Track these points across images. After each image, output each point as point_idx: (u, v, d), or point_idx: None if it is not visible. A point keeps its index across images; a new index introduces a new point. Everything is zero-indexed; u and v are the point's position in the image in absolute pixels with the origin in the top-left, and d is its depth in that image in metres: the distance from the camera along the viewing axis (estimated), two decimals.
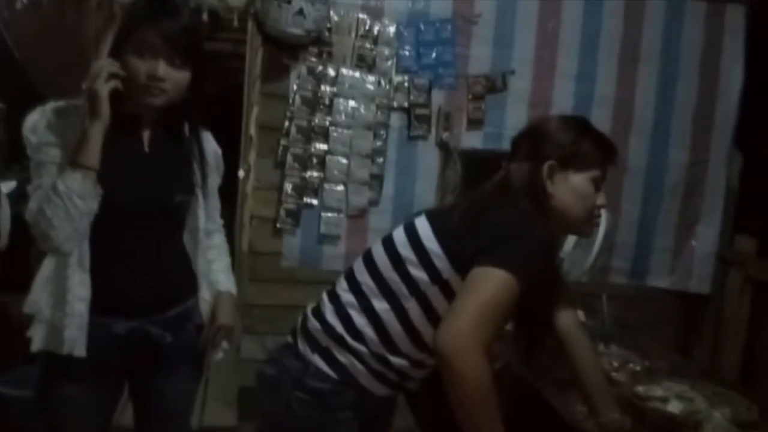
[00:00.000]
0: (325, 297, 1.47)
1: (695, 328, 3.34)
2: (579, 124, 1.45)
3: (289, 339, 1.48)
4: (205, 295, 1.59)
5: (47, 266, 1.40)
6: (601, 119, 3.15)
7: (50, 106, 1.39)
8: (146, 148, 1.46)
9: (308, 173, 2.93)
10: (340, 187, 2.96)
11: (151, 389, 1.56)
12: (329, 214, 2.97)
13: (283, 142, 2.90)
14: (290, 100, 2.88)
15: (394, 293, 1.37)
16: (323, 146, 2.92)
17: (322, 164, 2.93)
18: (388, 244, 1.43)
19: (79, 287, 1.36)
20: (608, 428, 1.52)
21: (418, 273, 1.35)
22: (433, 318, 1.35)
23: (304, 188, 2.93)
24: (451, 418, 1.23)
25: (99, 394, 1.47)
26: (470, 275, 1.23)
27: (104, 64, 1.31)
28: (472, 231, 1.30)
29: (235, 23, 2.80)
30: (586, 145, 1.40)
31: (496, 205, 1.35)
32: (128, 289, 1.43)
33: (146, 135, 1.46)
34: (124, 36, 1.35)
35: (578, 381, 1.59)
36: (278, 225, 2.94)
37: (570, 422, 1.63)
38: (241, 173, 3.65)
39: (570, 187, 1.37)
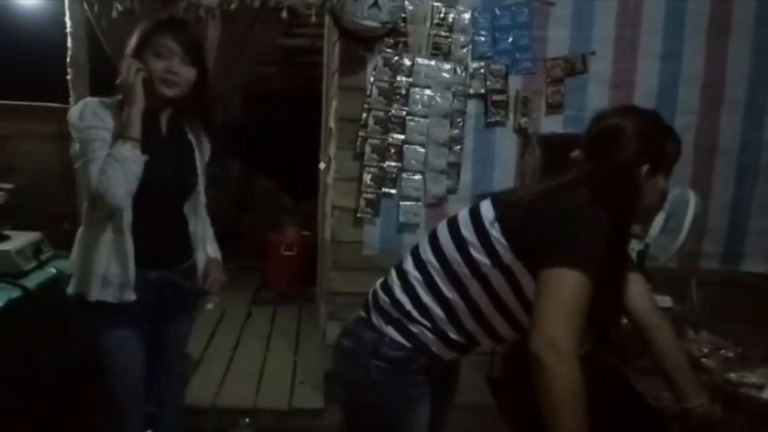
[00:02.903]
0: (393, 272, 1.54)
1: None
2: (661, 124, 1.44)
3: (362, 313, 1.55)
4: (201, 256, 1.97)
5: (95, 232, 1.73)
6: (688, 98, 3.04)
7: (91, 99, 1.75)
8: (164, 134, 1.83)
9: (386, 163, 2.98)
10: (418, 176, 2.99)
11: (168, 327, 1.93)
12: (407, 203, 3.01)
13: (361, 133, 2.96)
14: (368, 92, 2.93)
15: (457, 274, 1.42)
16: (400, 136, 2.96)
17: (399, 154, 2.97)
18: (453, 225, 1.47)
19: (130, 247, 1.72)
20: (696, 414, 1.48)
21: (479, 256, 1.39)
22: (496, 300, 1.40)
23: (382, 178, 2.98)
24: (531, 403, 1.25)
25: (140, 332, 1.82)
26: (544, 277, 1.25)
27: (130, 62, 1.70)
28: (535, 220, 1.33)
29: (313, 19, 2.87)
30: (671, 147, 1.42)
31: (562, 196, 1.35)
32: (157, 246, 1.81)
33: (164, 123, 1.83)
34: (145, 41, 1.72)
35: (660, 367, 1.55)
36: (359, 214, 3.01)
37: (655, 408, 1.60)
38: (322, 165, 3.76)
39: (657, 189, 1.42)
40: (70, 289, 1.80)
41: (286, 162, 5.79)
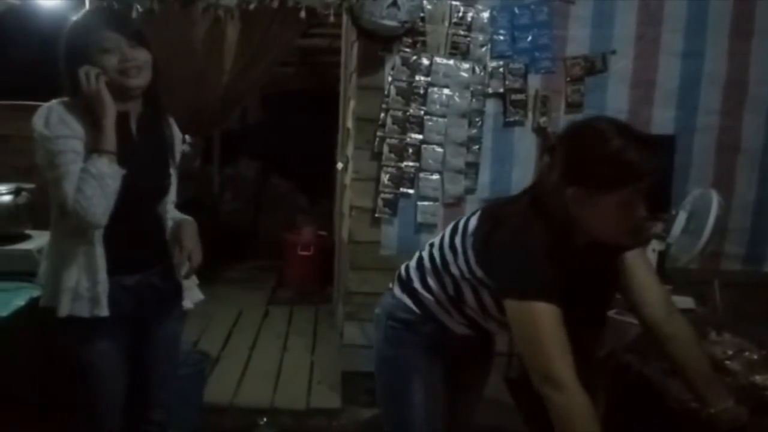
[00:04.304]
0: (415, 255, 1.74)
1: None
2: (613, 137, 1.30)
3: (391, 285, 1.76)
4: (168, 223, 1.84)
5: (66, 244, 1.63)
6: (710, 98, 3.00)
7: (55, 103, 1.60)
8: (134, 134, 1.70)
9: (404, 163, 2.97)
10: (436, 176, 2.98)
11: (154, 331, 1.82)
12: (425, 203, 3.00)
13: (379, 133, 2.95)
14: (386, 92, 2.93)
15: (452, 273, 1.56)
16: (418, 136, 2.95)
17: (417, 154, 2.96)
18: (454, 228, 1.60)
19: (100, 259, 1.62)
20: (722, 418, 1.45)
21: (459, 265, 1.53)
22: (480, 301, 1.53)
23: (400, 178, 2.98)
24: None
25: (120, 342, 1.72)
26: (509, 311, 1.35)
27: (86, 69, 1.56)
28: (483, 250, 1.44)
29: (331, 18, 2.87)
30: (618, 163, 1.28)
31: (510, 218, 1.41)
32: (132, 251, 1.70)
33: (134, 125, 1.71)
34: (84, 44, 1.58)
35: (681, 374, 1.51)
36: (376, 215, 3.00)
37: (677, 409, 1.58)
38: (339, 165, 3.77)
39: (597, 211, 1.31)
40: (41, 302, 1.69)
41: (303, 162, 5.81)
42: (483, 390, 1.87)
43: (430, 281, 1.61)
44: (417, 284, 1.64)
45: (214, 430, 2.75)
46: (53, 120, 1.56)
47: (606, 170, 1.29)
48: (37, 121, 1.56)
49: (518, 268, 1.33)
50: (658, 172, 1.32)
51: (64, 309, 1.61)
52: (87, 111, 1.58)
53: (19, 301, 2.09)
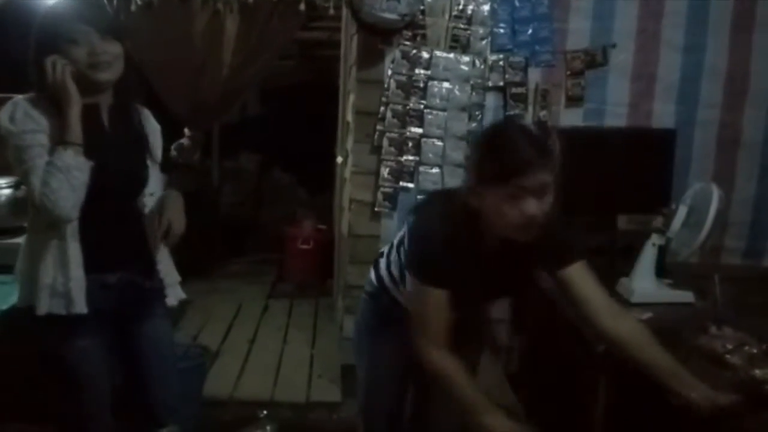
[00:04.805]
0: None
1: None
2: (493, 134, 1.51)
3: None
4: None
5: (41, 241, 1.60)
6: (711, 92, 2.99)
7: (20, 98, 1.59)
8: (107, 127, 1.68)
9: (404, 157, 2.96)
10: (436, 170, 2.97)
11: (140, 329, 1.80)
12: None
13: (379, 127, 2.95)
14: (385, 85, 2.92)
15: (399, 252, 1.75)
16: (418, 130, 2.94)
17: (417, 148, 2.95)
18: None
19: (75, 255, 1.59)
20: (697, 402, 1.43)
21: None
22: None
23: (400, 172, 2.97)
24: (550, 395, 1.25)
25: (103, 340, 1.71)
26: (407, 284, 1.61)
27: (53, 60, 1.53)
28: (406, 232, 1.67)
29: (331, 11, 2.86)
30: (491, 160, 1.41)
31: (432, 207, 1.63)
32: (112, 248, 1.68)
33: (105, 117, 1.67)
34: (54, 33, 1.56)
35: (646, 372, 1.51)
36: (376, 208, 3.00)
37: (677, 404, 1.58)
38: (339, 159, 3.76)
39: (486, 204, 1.43)
40: (18, 302, 1.67)
41: (303, 155, 5.80)
42: None
43: (391, 258, 1.79)
44: (381, 260, 1.85)
45: (215, 424, 2.75)
46: (18, 115, 1.54)
47: (490, 165, 1.41)
48: (3, 117, 1.55)
49: (420, 254, 1.55)
50: (547, 170, 1.38)
51: (43, 307, 1.59)
52: (53, 104, 1.56)
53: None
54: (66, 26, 1.56)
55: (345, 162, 3.44)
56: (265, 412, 2.84)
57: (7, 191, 2.45)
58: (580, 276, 1.55)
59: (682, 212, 2.26)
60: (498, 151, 1.41)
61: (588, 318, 1.55)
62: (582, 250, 1.58)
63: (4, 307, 2.00)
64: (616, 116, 2.99)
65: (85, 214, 1.59)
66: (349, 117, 3.24)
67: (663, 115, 2.99)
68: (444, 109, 2.93)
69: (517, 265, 1.57)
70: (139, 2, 2.73)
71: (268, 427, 1.70)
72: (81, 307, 1.60)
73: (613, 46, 2.94)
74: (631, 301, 2.27)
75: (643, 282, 2.31)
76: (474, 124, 2.95)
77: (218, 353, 3.44)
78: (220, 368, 3.24)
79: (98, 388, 1.73)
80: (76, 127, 1.54)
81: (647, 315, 2.15)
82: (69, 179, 1.51)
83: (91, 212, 1.59)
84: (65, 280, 1.59)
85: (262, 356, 3.48)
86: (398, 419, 1.93)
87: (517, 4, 2.90)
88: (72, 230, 1.59)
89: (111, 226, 1.67)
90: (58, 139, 1.53)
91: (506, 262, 1.55)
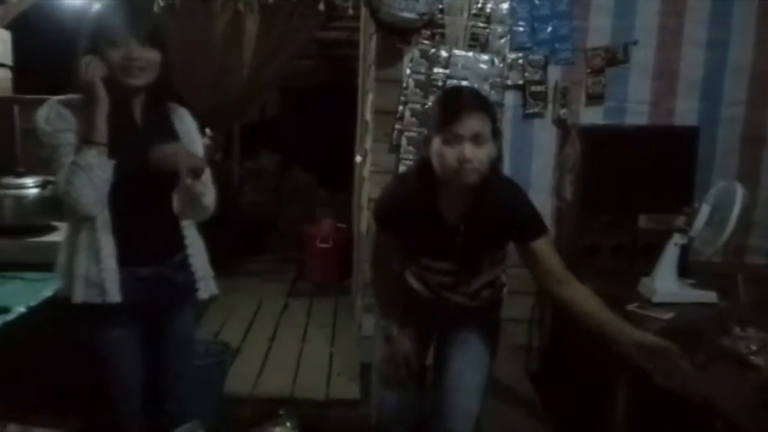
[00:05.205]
0: None
1: None
2: (440, 94, 1.99)
3: None
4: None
5: (76, 234, 1.67)
6: (735, 88, 2.95)
7: (55, 100, 1.65)
8: (139, 125, 1.72)
9: None
10: None
11: (170, 323, 1.86)
12: None
13: (397, 126, 2.95)
14: (404, 84, 2.92)
15: None
16: None
17: None
18: None
19: (108, 246, 1.65)
20: (652, 347, 1.51)
21: None
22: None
23: None
24: (571, 394, 1.25)
25: (136, 332, 1.76)
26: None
27: (87, 60, 1.59)
28: None
29: (350, 11, 2.87)
30: (436, 112, 1.68)
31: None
32: (145, 242, 1.73)
33: (137, 113, 1.72)
34: (96, 34, 1.61)
35: (594, 328, 1.65)
36: None
37: (700, 406, 1.56)
38: (358, 158, 3.77)
39: (432, 152, 1.66)
40: (59, 292, 1.74)
41: (322, 155, 5.83)
42: (472, 352, 1.91)
43: None
44: None
45: (235, 420, 2.78)
46: (52, 115, 1.62)
47: (435, 117, 1.68)
48: (39, 117, 1.63)
49: (379, 199, 1.88)
50: (478, 120, 1.62)
51: (78, 296, 1.66)
52: (84, 103, 1.61)
53: (47, 291, 2.13)
54: (107, 29, 1.61)
55: (364, 161, 3.45)
56: (284, 409, 2.88)
57: (35, 190, 2.48)
58: (546, 249, 1.72)
59: (705, 211, 2.23)
60: (440, 105, 1.70)
61: (547, 287, 1.74)
62: (544, 225, 1.76)
63: (33, 303, 2.04)
64: (637, 114, 2.96)
65: (118, 209, 1.65)
66: (368, 116, 3.24)
67: (685, 112, 2.96)
68: None
69: (480, 229, 1.73)
70: (161, 3, 2.76)
71: (287, 424, 1.71)
72: (115, 296, 1.65)
73: (635, 43, 2.92)
74: (652, 300, 2.25)
75: (666, 282, 2.29)
76: None
77: (239, 350, 3.47)
78: (240, 365, 3.27)
79: (129, 378, 1.78)
80: (101, 127, 1.59)
81: (669, 315, 2.14)
82: (91, 177, 1.57)
83: (125, 207, 1.65)
84: (98, 270, 1.65)
85: (281, 354, 3.50)
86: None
87: (536, 2, 2.89)
88: (103, 223, 1.65)
89: (144, 220, 1.72)
90: (84, 138, 1.59)
91: (468, 223, 1.73)
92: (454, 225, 1.75)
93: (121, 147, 1.62)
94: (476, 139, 1.61)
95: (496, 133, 1.68)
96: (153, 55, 1.64)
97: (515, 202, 1.74)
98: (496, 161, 1.70)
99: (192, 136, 1.85)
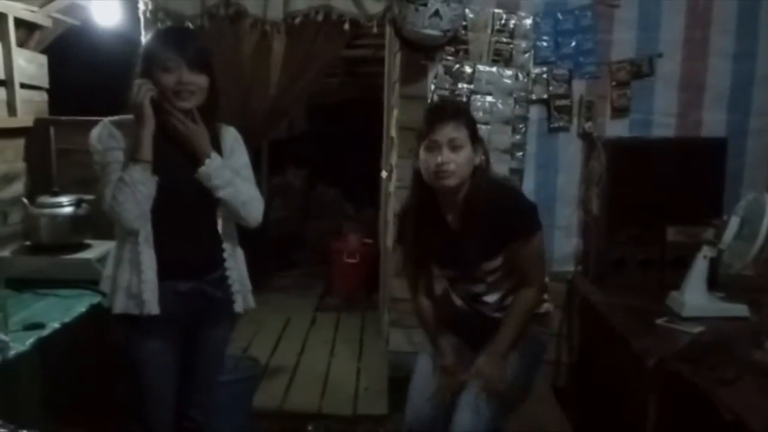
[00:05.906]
0: None
1: None
2: (426, 110, 2.03)
3: None
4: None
5: (122, 248, 1.77)
6: (764, 99, 2.92)
7: (107, 120, 1.77)
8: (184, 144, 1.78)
9: None
10: None
11: (205, 335, 1.92)
12: None
13: None
14: (429, 100, 2.94)
15: None
16: None
17: None
18: None
19: (148, 260, 1.73)
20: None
21: None
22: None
23: None
24: (599, 412, 1.24)
25: (173, 345, 1.83)
26: None
27: (139, 83, 1.70)
28: None
29: (374, 29, 2.91)
30: (423, 124, 1.87)
31: None
32: (186, 257, 1.80)
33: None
34: (151, 58, 1.72)
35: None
36: None
37: (730, 420, 1.54)
38: (384, 174, 3.80)
39: (420, 161, 1.87)
40: (105, 302, 1.84)
41: (348, 171, 5.88)
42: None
43: None
44: None
45: None
46: (104, 135, 1.73)
47: (421, 128, 1.87)
48: (93, 137, 1.74)
49: (395, 224, 2.12)
50: (454, 128, 1.83)
51: (119, 306, 1.74)
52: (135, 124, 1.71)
53: (81, 307, 2.20)
54: (161, 55, 1.71)
55: (389, 176, 3.48)
56: (312, 425, 2.90)
57: (69, 209, 2.56)
58: (525, 249, 1.89)
59: (734, 223, 2.20)
60: (423, 117, 1.90)
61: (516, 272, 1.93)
62: (533, 225, 1.91)
63: (67, 319, 2.10)
64: (664, 126, 2.94)
65: (161, 224, 1.74)
66: (393, 132, 3.27)
67: (713, 124, 2.93)
68: (487, 123, 2.94)
69: (475, 231, 1.86)
70: (191, 26, 2.83)
71: None
72: (153, 308, 1.73)
73: (660, 55, 2.91)
74: (682, 314, 2.22)
75: (695, 295, 2.26)
76: (518, 137, 2.95)
77: (267, 365, 3.50)
78: (269, 380, 3.30)
79: (161, 388, 1.85)
80: (146, 145, 1.69)
81: (699, 329, 2.11)
82: (134, 193, 1.67)
83: (167, 222, 1.74)
84: (139, 282, 1.73)
85: (309, 369, 3.53)
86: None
87: (560, 16, 2.90)
88: (145, 237, 1.73)
89: (186, 237, 1.80)
90: (131, 156, 1.69)
91: (463, 226, 1.88)
92: (454, 229, 1.90)
93: (169, 163, 1.72)
94: (452, 145, 1.80)
95: (476, 140, 1.86)
96: (201, 80, 1.74)
97: (504, 202, 1.88)
98: (482, 166, 1.87)
99: (236, 154, 1.92)
